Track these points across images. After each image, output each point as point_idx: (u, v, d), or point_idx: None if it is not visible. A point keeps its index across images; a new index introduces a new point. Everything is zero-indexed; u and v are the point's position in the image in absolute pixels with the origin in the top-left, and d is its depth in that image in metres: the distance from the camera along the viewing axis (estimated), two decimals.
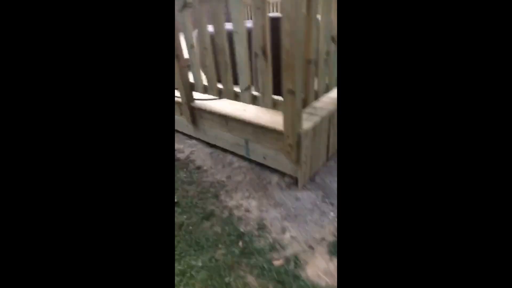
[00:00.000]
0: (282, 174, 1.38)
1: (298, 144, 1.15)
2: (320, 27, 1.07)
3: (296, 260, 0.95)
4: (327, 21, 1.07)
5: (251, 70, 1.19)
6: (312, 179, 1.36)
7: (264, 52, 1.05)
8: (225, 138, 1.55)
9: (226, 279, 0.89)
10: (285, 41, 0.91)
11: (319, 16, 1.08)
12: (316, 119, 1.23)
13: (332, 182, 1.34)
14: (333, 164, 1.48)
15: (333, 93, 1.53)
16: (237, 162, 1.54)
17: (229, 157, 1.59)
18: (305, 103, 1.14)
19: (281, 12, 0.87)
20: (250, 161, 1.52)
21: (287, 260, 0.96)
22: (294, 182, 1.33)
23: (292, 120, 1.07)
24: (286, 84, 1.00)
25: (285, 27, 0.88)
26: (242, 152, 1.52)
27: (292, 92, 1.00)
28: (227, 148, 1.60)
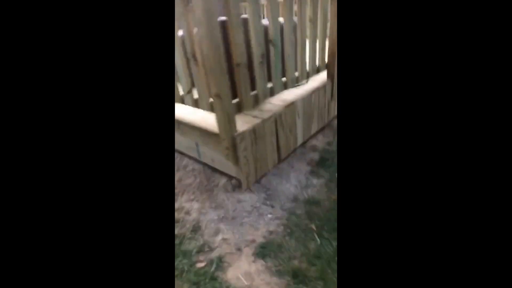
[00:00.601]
0: (231, 176, 1.40)
1: (234, 147, 1.16)
2: (250, 31, 1.09)
3: (219, 262, 0.96)
4: (258, 25, 1.08)
5: (190, 74, 1.21)
6: (258, 181, 1.37)
7: (194, 57, 1.07)
8: (180, 141, 1.57)
9: None
10: (203, 47, 0.93)
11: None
12: (256, 121, 1.24)
13: (278, 184, 1.34)
14: (285, 166, 1.49)
15: (284, 95, 1.54)
16: (191, 165, 1.56)
17: (186, 160, 1.61)
18: (240, 106, 1.16)
19: (193, 19, 0.89)
20: (204, 164, 1.53)
21: (211, 262, 0.97)
22: (240, 184, 1.34)
23: (224, 123, 1.09)
24: (212, 88, 1.02)
25: (199, 33, 0.90)
26: (196, 154, 1.54)
27: (219, 96, 1.02)
28: (183, 151, 1.62)
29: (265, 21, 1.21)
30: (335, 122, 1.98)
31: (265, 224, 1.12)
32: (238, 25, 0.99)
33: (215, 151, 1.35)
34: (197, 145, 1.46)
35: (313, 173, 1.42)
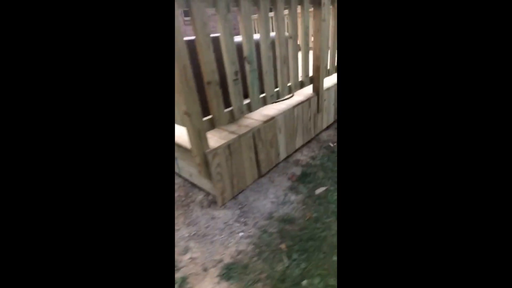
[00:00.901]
0: (208, 192, 1.39)
1: (206, 163, 1.15)
2: (222, 49, 1.10)
3: (182, 283, 0.94)
4: (230, 42, 1.09)
5: None
6: (235, 197, 1.35)
7: None
8: None
9: None
10: None
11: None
12: (231, 137, 1.24)
13: (255, 201, 1.32)
14: (266, 181, 1.47)
15: (266, 111, 1.53)
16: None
17: None
18: (213, 123, 1.16)
19: None
20: (185, 178, 1.53)
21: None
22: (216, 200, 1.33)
23: (195, 140, 1.09)
24: (180, 106, 1.02)
25: None
26: (176, 169, 1.54)
27: (188, 114, 1.02)
28: None
29: (239, 38, 1.23)
30: (322, 135, 1.97)
31: (236, 243, 1.10)
32: (206, 44, 1.01)
33: (192, 166, 1.34)
34: (176, 159, 1.46)
35: (292, 189, 1.39)
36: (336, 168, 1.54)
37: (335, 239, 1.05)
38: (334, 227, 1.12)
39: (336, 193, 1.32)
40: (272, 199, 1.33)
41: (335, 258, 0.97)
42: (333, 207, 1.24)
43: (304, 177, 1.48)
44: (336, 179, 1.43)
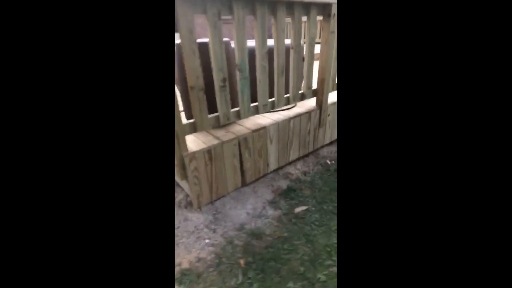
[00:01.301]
0: (187, 193, 1.40)
1: (183, 166, 1.16)
2: (211, 56, 1.10)
3: None
4: (219, 49, 1.09)
5: None
6: (213, 202, 1.35)
7: None
8: None
9: None
10: None
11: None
12: (214, 142, 1.24)
13: (231, 209, 1.31)
14: (248, 191, 1.45)
15: (259, 119, 1.51)
16: None
17: None
18: (194, 127, 1.16)
19: None
20: None
21: None
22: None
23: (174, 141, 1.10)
24: None
25: None
26: None
27: None
28: None
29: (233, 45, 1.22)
30: (323, 150, 1.88)
31: (199, 249, 1.10)
32: (191, 50, 1.01)
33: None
34: None
35: (272, 203, 1.35)
36: (324, 188, 1.46)
37: (297, 264, 1.00)
38: (301, 251, 1.06)
39: (314, 215, 1.25)
40: (249, 210, 1.31)
41: (290, 284, 0.93)
42: (308, 229, 1.18)
43: (288, 192, 1.43)
44: (320, 200, 1.36)
